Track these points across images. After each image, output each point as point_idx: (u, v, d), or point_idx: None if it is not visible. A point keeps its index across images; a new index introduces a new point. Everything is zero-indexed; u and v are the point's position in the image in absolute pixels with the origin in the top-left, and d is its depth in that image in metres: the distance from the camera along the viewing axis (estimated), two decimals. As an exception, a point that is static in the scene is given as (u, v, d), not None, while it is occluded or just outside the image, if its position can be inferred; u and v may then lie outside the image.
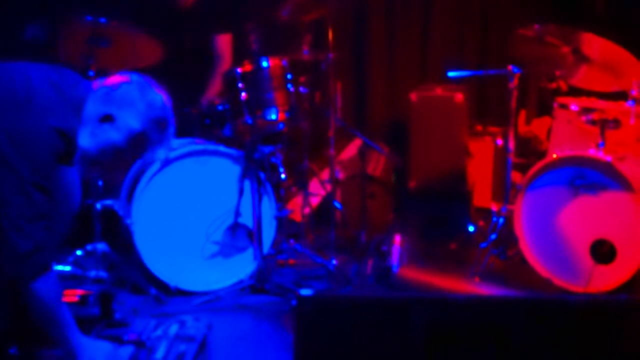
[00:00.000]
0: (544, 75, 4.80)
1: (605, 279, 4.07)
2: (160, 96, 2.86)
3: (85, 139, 2.75)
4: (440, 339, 2.32)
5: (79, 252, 4.24)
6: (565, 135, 4.57)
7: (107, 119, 2.76)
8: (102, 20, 4.06)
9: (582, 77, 4.62)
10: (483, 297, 3.17)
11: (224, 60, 5.00)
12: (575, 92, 4.73)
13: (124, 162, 2.86)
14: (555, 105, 4.64)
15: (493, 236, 4.47)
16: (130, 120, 2.77)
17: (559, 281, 4.15)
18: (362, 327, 2.32)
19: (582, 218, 4.12)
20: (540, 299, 2.61)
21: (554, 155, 4.19)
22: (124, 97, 2.79)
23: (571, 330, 2.31)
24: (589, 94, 4.72)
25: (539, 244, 4.20)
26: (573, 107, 4.51)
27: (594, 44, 4.46)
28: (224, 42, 5.05)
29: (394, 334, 2.32)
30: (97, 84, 2.85)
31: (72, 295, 3.87)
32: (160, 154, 2.87)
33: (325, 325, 2.31)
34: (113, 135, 2.76)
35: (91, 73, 4.13)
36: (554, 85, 4.68)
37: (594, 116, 4.29)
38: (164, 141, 2.86)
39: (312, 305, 2.30)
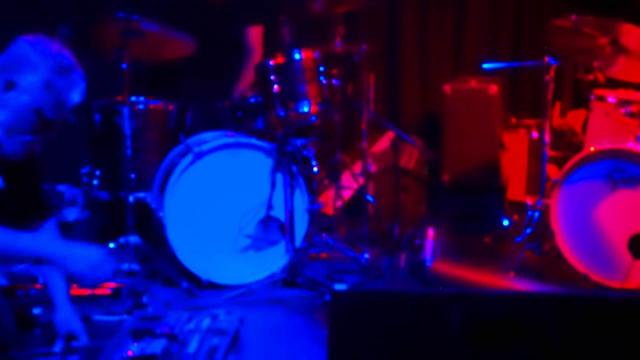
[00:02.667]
0: (580, 67, 4.73)
1: (644, 275, 4.00)
2: (52, 44, 2.90)
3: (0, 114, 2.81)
4: (477, 335, 2.29)
5: (111, 245, 4.26)
6: (603, 128, 4.49)
7: (9, 86, 2.83)
8: (135, 17, 4.06)
9: (620, 69, 4.52)
10: (520, 293, 3.12)
11: (255, 53, 5.00)
12: (612, 83, 4.65)
13: (45, 117, 2.89)
14: (592, 97, 4.56)
15: (528, 230, 4.41)
16: (30, 77, 2.82)
17: (596, 277, 4.09)
18: (397, 323, 2.29)
19: (620, 212, 4.05)
20: (578, 295, 2.56)
21: (592, 148, 4.12)
22: (16, 59, 2.85)
23: (609, 327, 2.26)
24: (627, 85, 4.63)
25: (576, 239, 4.13)
26: (610, 99, 4.43)
27: (632, 34, 4.37)
28: (255, 35, 5.04)
29: (430, 330, 2.29)
30: None
31: (104, 288, 3.89)
32: (75, 96, 2.89)
33: (360, 321, 2.28)
34: (21, 98, 2.83)
35: (124, 66, 4.14)
36: (591, 77, 4.62)
37: (633, 108, 4.22)
38: (73, 84, 2.91)
39: (346, 300, 2.28)
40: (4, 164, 2.93)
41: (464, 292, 2.53)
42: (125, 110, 4.20)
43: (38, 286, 3.92)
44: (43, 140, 2.98)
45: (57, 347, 3.15)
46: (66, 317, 3.18)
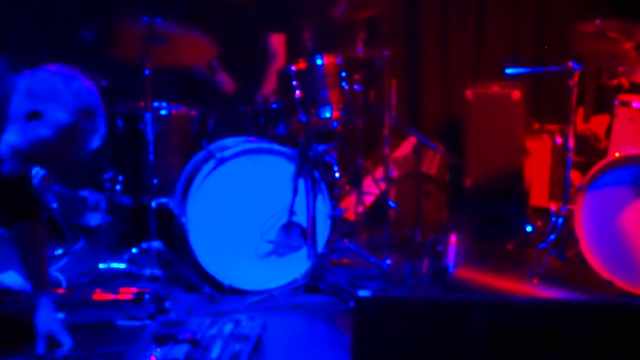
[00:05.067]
0: (604, 72, 4.69)
1: (670, 282, 3.96)
2: (85, 85, 2.83)
3: (15, 136, 2.75)
4: (500, 342, 2.27)
5: (134, 250, 4.29)
6: (627, 134, 4.45)
7: (34, 115, 2.75)
8: (158, 20, 4.07)
9: (645, 74, 4.51)
10: (544, 300, 3.10)
11: (278, 58, 5.01)
12: (637, 88, 4.61)
13: (59, 155, 2.85)
14: (616, 102, 4.52)
15: (552, 236, 4.38)
16: (58, 114, 2.74)
17: (621, 283, 4.05)
18: (420, 329, 2.28)
19: (645, 218, 4.01)
20: (603, 302, 2.53)
21: (617, 154, 4.08)
22: (48, 91, 2.77)
23: (634, 334, 2.24)
24: (652, 91, 4.60)
25: (600, 245, 4.10)
26: (635, 105, 4.39)
27: (658, 39, 4.34)
28: (277, 40, 5.05)
29: (453, 337, 2.28)
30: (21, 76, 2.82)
31: (127, 293, 3.90)
32: (95, 141, 2.86)
33: (384, 327, 2.27)
34: (42, 131, 2.75)
35: (147, 71, 4.15)
36: (615, 82, 4.58)
37: (658, 114, 4.18)
38: (95, 130, 2.84)
39: (370, 306, 2.27)
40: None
41: (488, 299, 2.51)
42: (148, 116, 4.21)
43: (62, 291, 3.94)
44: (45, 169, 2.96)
45: (40, 349, 3.15)
46: (46, 318, 3.19)
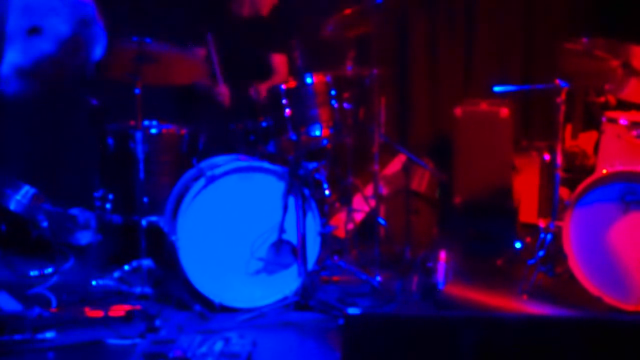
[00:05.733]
0: (592, 89, 4.73)
1: (658, 298, 3.98)
2: None
3: (17, 55, 2.71)
4: (490, 359, 2.28)
5: (124, 268, 4.28)
6: (615, 150, 4.48)
7: (34, 31, 2.70)
8: (148, 40, 4.09)
9: (632, 91, 4.52)
10: (533, 317, 3.12)
11: (279, 76, 5.05)
12: (624, 106, 4.65)
13: (63, 69, 2.82)
14: (603, 119, 4.56)
15: (541, 253, 4.40)
16: (58, 27, 2.72)
17: (609, 299, 4.07)
18: (410, 347, 2.29)
19: (633, 234, 4.04)
20: (591, 318, 2.55)
21: (604, 171, 4.11)
22: (45, 5, 2.73)
23: (622, 351, 2.25)
24: (638, 107, 4.63)
25: (589, 261, 4.12)
26: (622, 122, 4.44)
27: (643, 57, 4.38)
28: (280, 60, 5.11)
29: (443, 353, 2.29)
30: None
31: (117, 311, 3.89)
32: (97, 51, 2.83)
33: (373, 344, 2.28)
34: (44, 46, 2.72)
35: (137, 90, 4.17)
36: (602, 99, 4.62)
37: (644, 130, 4.21)
38: (96, 39, 2.81)
39: (360, 323, 2.28)
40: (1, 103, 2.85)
41: (477, 316, 2.53)
42: (138, 135, 4.22)
43: (53, 309, 3.94)
44: (49, 89, 2.91)
45: None
46: None
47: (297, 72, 4.48)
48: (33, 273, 4.58)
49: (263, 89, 4.77)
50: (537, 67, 6.20)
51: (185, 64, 4.44)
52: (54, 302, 4.06)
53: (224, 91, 4.93)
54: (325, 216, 4.59)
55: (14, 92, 2.77)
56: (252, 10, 5.10)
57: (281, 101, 4.28)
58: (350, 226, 5.00)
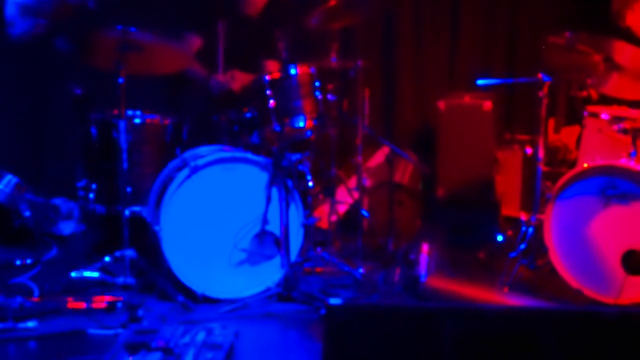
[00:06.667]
0: (574, 84, 4.76)
1: (637, 290, 4.01)
2: None
3: None
4: (470, 350, 2.30)
5: (107, 259, 4.27)
6: (596, 145, 4.52)
7: None
8: (132, 29, 4.07)
9: (613, 86, 4.57)
10: (514, 308, 3.14)
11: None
12: (606, 100, 4.68)
13: (64, 6, 2.79)
14: (585, 114, 4.59)
15: (522, 246, 4.43)
16: None
17: (589, 292, 4.11)
18: (391, 337, 2.30)
19: (613, 228, 4.07)
20: (571, 311, 2.57)
21: (585, 165, 4.14)
22: None
23: (602, 343, 2.28)
24: (620, 102, 4.67)
25: (569, 254, 4.16)
26: (604, 116, 4.47)
27: (625, 52, 4.41)
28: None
29: (424, 345, 2.31)
30: None
31: (100, 302, 3.89)
32: None
33: (355, 335, 2.29)
34: None
35: (121, 80, 4.15)
36: (584, 93, 4.64)
37: (626, 125, 4.24)
38: None
39: (341, 314, 2.29)
40: (10, 45, 2.83)
41: (458, 307, 2.55)
42: (122, 124, 4.20)
43: (35, 299, 3.92)
44: (54, 26, 2.88)
45: None
46: None
47: (281, 63, 4.48)
48: (16, 262, 4.56)
49: (239, 76, 4.78)
50: (522, 61, 6.22)
51: (171, 54, 4.42)
52: (36, 292, 4.05)
53: (222, 79, 4.92)
54: (308, 208, 4.61)
55: (20, 33, 2.75)
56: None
57: (265, 92, 4.28)
58: (334, 218, 5.02)
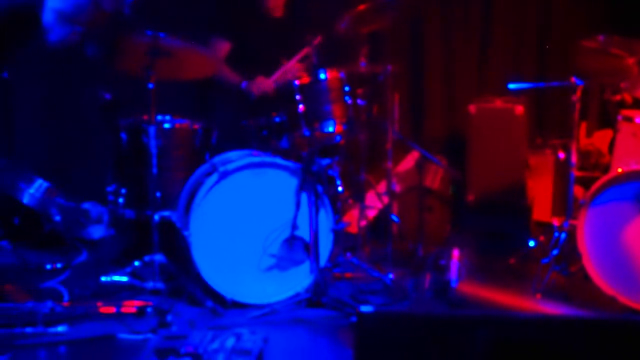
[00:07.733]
0: (607, 87, 4.70)
1: (673, 298, 3.95)
2: None
3: (57, 1, 2.72)
4: (503, 358, 2.27)
5: (136, 263, 4.28)
6: (630, 149, 4.45)
7: None
8: (161, 34, 4.09)
9: (648, 90, 4.51)
10: (547, 316, 3.09)
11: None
12: (640, 104, 4.63)
13: (100, 13, 2.81)
14: (619, 118, 4.52)
15: (555, 252, 4.37)
16: None
17: (624, 299, 4.04)
18: (423, 345, 2.28)
19: (648, 234, 4.01)
20: (605, 319, 2.53)
21: (619, 170, 4.08)
22: None
23: (636, 351, 2.23)
24: (654, 106, 4.61)
25: (603, 261, 4.09)
26: (638, 120, 4.40)
27: (660, 55, 4.35)
28: None
29: (456, 353, 2.28)
30: None
31: (129, 306, 3.90)
32: None
33: (386, 342, 2.27)
34: None
35: (150, 85, 4.16)
36: (618, 97, 4.58)
37: (661, 129, 4.18)
38: None
39: (372, 321, 2.27)
40: (49, 50, 2.87)
41: (491, 315, 2.51)
42: (152, 129, 4.22)
43: (65, 304, 3.94)
44: (92, 33, 2.92)
45: None
46: None
47: (311, 68, 4.47)
48: (46, 267, 4.59)
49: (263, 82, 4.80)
50: (553, 64, 6.16)
51: (200, 59, 4.43)
52: (66, 296, 4.07)
53: (260, 82, 4.91)
54: (338, 213, 4.58)
55: (57, 40, 2.79)
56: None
57: (295, 97, 4.27)
58: (363, 223, 4.99)
